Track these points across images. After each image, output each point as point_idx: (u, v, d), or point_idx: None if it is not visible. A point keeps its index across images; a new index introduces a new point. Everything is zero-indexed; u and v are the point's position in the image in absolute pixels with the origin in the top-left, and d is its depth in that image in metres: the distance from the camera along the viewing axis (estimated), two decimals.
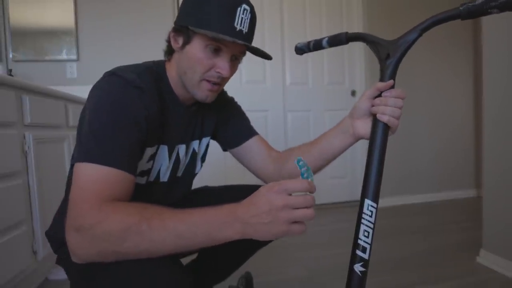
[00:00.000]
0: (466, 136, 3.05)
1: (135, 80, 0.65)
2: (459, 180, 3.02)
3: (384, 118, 0.64)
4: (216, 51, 0.68)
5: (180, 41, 0.71)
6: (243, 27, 0.67)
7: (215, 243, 0.54)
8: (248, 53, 0.76)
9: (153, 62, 0.77)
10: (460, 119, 3.03)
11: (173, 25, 0.72)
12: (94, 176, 0.57)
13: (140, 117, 0.64)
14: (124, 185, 0.60)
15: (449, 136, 3.00)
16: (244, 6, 0.67)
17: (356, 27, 2.78)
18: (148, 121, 0.66)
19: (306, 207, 0.51)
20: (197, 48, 0.68)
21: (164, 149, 0.78)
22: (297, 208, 0.51)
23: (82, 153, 0.60)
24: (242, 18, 0.67)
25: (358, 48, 2.80)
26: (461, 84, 3.02)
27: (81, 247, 0.55)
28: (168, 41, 0.75)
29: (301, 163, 0.55)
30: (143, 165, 0.75)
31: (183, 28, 0.69)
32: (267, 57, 0.74)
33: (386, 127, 0.65)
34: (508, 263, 1.43)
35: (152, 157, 0.76)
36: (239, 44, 0.67)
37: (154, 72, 0.73)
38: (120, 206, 0.56)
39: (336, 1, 2.80)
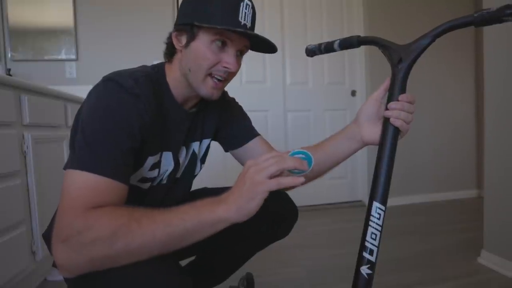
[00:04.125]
0: (467, 136, 3.04)
1: (132, 87, 0.64)
2: (460, 180, 3.01)
3: (397, 122, 0.64)
4: (222, 47, 0.68)
5: (184, 39, 0.70)
6: (247, 22, 0.68)
7: (205, 229, 0.54)
8: (249, 52, 0.75)
9: (152, 66, 0.76)
10: (462, 120, 3.03)
11: (174, 26, 0.72)
12: (83, 184, 0.56)
13: (134, 126, 0.62)
14: (114, 194, 0.58)
15: (450, 136, 2.99)
16: (246, 1, 0.68)
17: (357, 27, 2.78)
18: (144, 130, 0.65)
19: (270, 164, 0.53)
20: (202, 44, 0.68)
21: (168, 156, 0.77)
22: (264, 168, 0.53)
23: (74, 160, 0.59)
24: (245, 13, 0.68)
25: (358, 48, 2.78)
26: (462, 85, 3.02)
27: (69, 258, 0.52)
28: (169, 42, 0.74)
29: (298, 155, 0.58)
30: (145, 173, 0.74)
31: (187, 26, 0.68)
32: (272, 49, 0.73)
33: (397, 131, 0.65)
34: (509, 263, 1.43)
35: (156, 165, 0.75)
36: (246, 37, 0.68)
37: (153, 78, 0.71)
38: (107, 210, 0.54)
39: (337, 1, 2.79)
